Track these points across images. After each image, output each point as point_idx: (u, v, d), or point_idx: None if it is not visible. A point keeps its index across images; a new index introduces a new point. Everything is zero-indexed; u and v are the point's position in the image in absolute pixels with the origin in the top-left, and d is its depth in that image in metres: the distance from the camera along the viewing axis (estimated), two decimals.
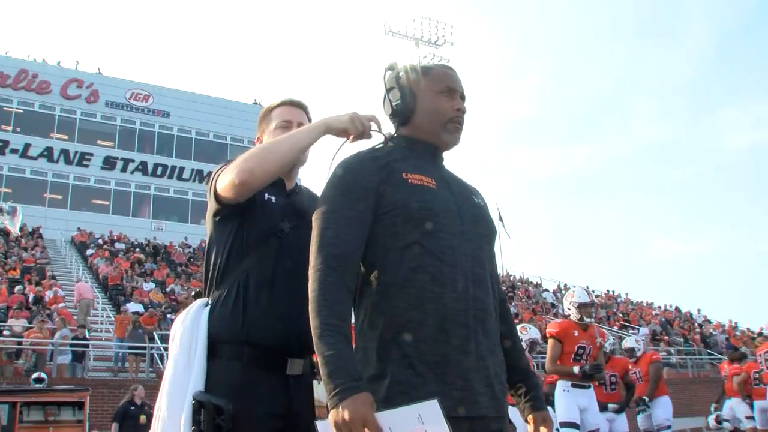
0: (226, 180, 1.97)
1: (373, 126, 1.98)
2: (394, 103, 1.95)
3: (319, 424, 1.64)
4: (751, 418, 9.38)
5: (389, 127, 2.01)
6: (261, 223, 2.05)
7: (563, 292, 32.26)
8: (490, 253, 1.92)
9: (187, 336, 2.00)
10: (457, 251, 1.77)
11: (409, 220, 1.76)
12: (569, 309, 6.58)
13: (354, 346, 1.77)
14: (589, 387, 6.43)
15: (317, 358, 1.63)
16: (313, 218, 1.80)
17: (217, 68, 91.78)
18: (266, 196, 2.10)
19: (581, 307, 6.50)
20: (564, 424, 6.21)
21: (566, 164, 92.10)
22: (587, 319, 6.47)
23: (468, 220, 1.84)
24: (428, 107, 1.92)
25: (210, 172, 2.16)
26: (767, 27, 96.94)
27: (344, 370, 1.58)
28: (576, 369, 6.23)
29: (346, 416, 1.51)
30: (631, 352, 8.70)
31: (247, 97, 42.35)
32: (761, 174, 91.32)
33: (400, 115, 1.94)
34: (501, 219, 37.22)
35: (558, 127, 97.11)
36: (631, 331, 25.80)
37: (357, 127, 1.96)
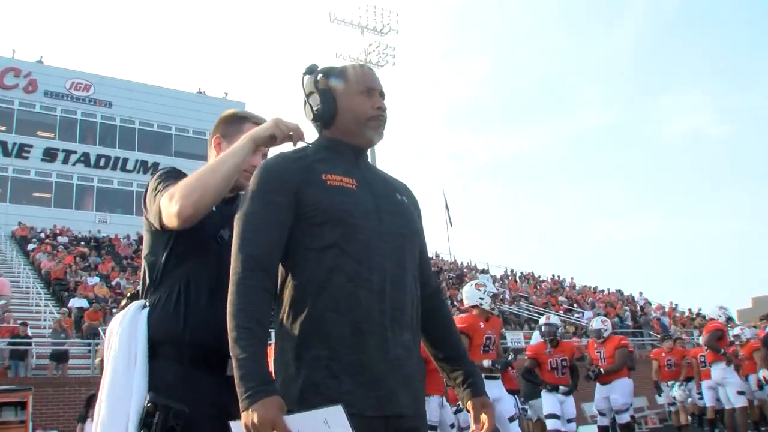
0: (170, 211, 1.97)
1: (297, 136, 2.03)
2: (314, 108, 1.99)
3: (233, 424, 1.68)
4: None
5: (313, 135, 2.07)
6: (201, 231, 2.08)
7: (509, 277, 32.85)
8: (412, 252, 1.95)
9: (126, 337, 2.01)
10: (374, 252, 1.81)
11: (327, 221, 1.81)
12: (481, 300, 6.75)
13: (273, 344, 1.85)
14: (498, 378, 6.64)
15: (232, 359, 1.67)
16: (235, 219, 1.84)
17: (160, 57, 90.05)
18: None
19: (494, 297, 6.86)
20: None
21: (510, 149, 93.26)
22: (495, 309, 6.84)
23: (387, 221, 1.88)
24: (349, 109, 1.96)
25: (156, 165, 2.16)
26: (702, 15, 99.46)
27: (256, 373, 1.63)
28: (486, 363, 6.48)
29: (256, 419, 1.57)
30: (598, 333, 9.05)
31: (192, 86, 41.90)
32: (698, 159, 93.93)
33: (322, 119, 1.98)
34: (447, 207, 37.64)
35: (502, 112, 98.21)
36: (576, 315, 26.44)
37: (282, 131, 2.01)
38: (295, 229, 1.83)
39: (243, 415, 1.61)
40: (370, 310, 1.77)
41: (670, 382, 11.58)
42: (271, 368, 1.77)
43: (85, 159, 32.70)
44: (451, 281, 29.09)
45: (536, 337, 9.24)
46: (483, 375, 6.36)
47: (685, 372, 11.57)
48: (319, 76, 2.01)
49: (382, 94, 2.02)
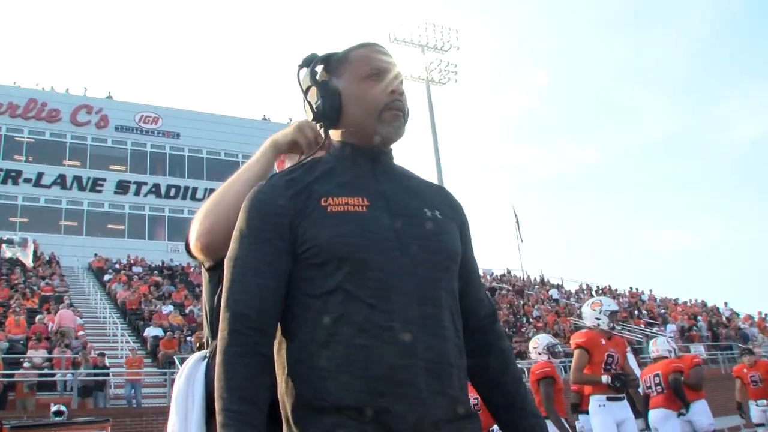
0: (191, 243, 1.75)
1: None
2: (314, 105, 1.59)
3: None
4: None
5: None
6: None
7: (585, 292, 31.94)
8: (449, 282, 1.52)
9: (182, 397, 1.78)
10: (393, 292, 1.40)
11: (330, 260, 1.41)
12: (597, 320, 6.40)
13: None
14: (623, 398, 6.20)
15: None
16: (224, 262, 1.50)
17: (224, 87, 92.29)
18: None
19: (612, 315, 6.40)
20: None
21: (576, 161, 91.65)
22: (617, 327, 6.39)
23: (413, 248, 1.46)
24: (356, 99, 1.55)
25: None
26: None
27: None
28: (605, 378, 6.05)
29: None
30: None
31: (257, 113, 42.32)
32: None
33: (324, 117, 1.58)
34: (518, 222, 37.05)
35: (565, 124, 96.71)
36: (656, 329, 25.39)
37: (307, 135, 1.71)
38: (293, 272, 1.45)
39: None
40: (393, 367, 1.36)
41: (761, 402, 10.43)
42: None
43: (155, 190, 33.40)
44: (524, 297, 28.44)
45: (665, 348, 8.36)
46: (606, 396, 6.02)
47: None
48: (317, 66, 1.63)
49: (396, 76, 1.60)
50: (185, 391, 1.78)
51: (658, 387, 7.46)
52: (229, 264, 1.46)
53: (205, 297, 1.92)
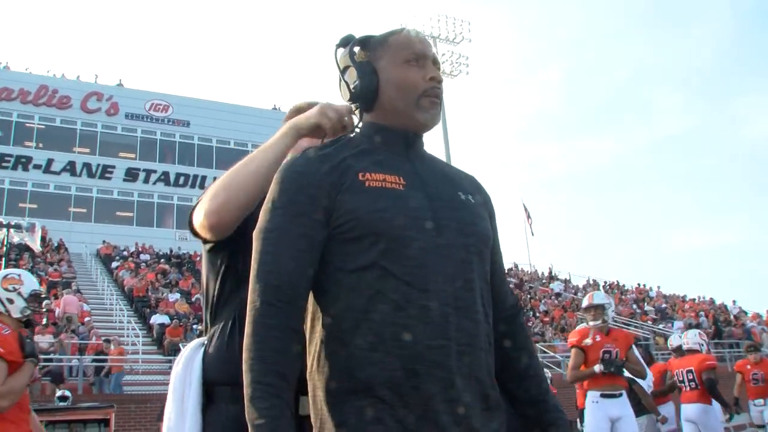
0: (198, 220, 1.70)
1: (351, 124, 1.66)
2: (351, 85, 1.58)
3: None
4: None
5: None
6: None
7: (592, 287, 31.86)
8: (482, 267, 1.51)
9: (179, 382, 1.76)
10: (430, 271, 1.39)
11: (366, 234, 1.40)
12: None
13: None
14: (619, 395, 6.09)
15: (248, 424, 1.30)
16: (253, 237, 1.46)
17: (235, 75, 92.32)
18: None
19: (596, 309, 6.33)
20: None
21: (589, 157, 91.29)
22: (598, 322, 6.28)
23: (448, 229, 1.46)
24: (394, 83, 1.55)
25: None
26: None
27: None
28: (597, 368, 6.00)
29: None
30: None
31: (267, 103, 42.41)
32: None
33: (361, 98, 1.57)
34: (529, 216, 36.98)
35: (578, 120, 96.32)
36: (662, 325, 25.30)
37: (330, 118, 1.65)
38: (327, 247, 1.43)
39: None
40: (429, 347, 1.35)
41: (758, 401, 10.16)
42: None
43: (165, 178, 33.48)
44: (533, 292, 28.38)
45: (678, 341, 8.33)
46: (600, 393, 5.94)
47: None
48: (356, 47, 1.61)
49: (435, 63, 1.60)
50: (183, 377, 1.77)
51: (692, 383, 7.42)
52: (261, 236, 1.43)
53: (204, 281, 1.88)
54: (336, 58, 1.63)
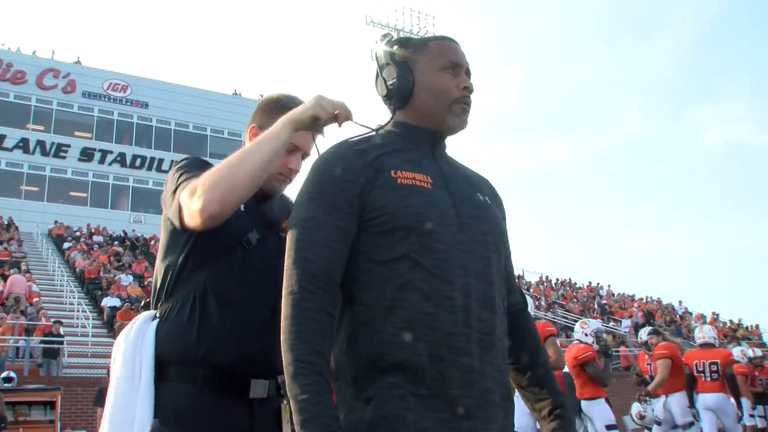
0: (192, 208, 1.66)
1: (343, 116, 1.69)
2: (389, 83, 1.67)
3: None
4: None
5: (369, 117, 1.72)
6: (226, 233, 1.77)
7: (544, 284, 32.34)
8: (498, 262, 1.61)
9: (130, 354, 1.74)
10: (454, 264, 1.49)
11: (398, 228, 1.49)
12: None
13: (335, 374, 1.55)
14: None
15: (290, 400, 1.39)
16: (288, 226, 1.54)
17: (196, 59, 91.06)
18: None
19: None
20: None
21: (546, 160, 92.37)
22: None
23: (469, 226, 1.55)
24: (430, 87, 1.64)
25: (173, 162, 1.89)
26: (743, 23, 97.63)
27: (319, 419, 1.35)
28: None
29: None
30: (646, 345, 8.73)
31: (227, 88, 41.93)
32: (737, 170, 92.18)
33: (397, 96, 1.66)
34: None
35: (538, 122, 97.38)
36: (612, 324, 25.86)
37: (326, 110, 1.67)
38: (358, 238, 1.52)
39: None
40: (452, 334, 1.45)
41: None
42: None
43: (121, 159, 32.89)
44: None
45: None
46: None
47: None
48: (396, 46, 1.69)
49: (468, 73, 1.70)
50: (133, 346, 1.76)
51: (714, 374, 7.81)
52: (298, 225, 1.51)
53: (163, 251, 1.86)
54: (375, 54, 1.72)
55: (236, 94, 37.02)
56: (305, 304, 1.44)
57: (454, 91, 1.65)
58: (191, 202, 1.67)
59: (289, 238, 1.52)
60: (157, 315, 1.82)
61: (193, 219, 1.68)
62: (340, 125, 1.70)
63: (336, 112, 1.68)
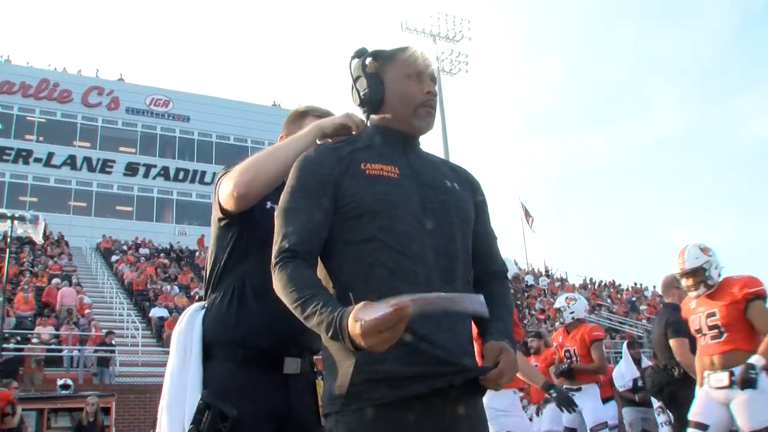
0: (225, 191, 1.99)
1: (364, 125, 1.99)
2: (361, 93, 1.90)
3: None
4: None
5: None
6: (263, 229, 2.02)
7: (588, 287, 32.02)
8: (465, 242, 1.83)
9: (182, 339, 2.05)
10: (416, 242, 1.71)
11: (365, 213, 1.72)
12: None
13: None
14: (576, 389, 6.06)
15: (314, 329, 1.58)
16: (275, 215, 1.78)
17: (235, 71, 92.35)
18: (268, 204, 2.10)
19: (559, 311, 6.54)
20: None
21: (585, 153, 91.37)
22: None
23: (432, 211, 1.77)
24: (397, 94, 1.87)
25: (216, 174, 2.16)
26: None
27: (330, 306, 1.55)
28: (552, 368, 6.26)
29: (358, 328, 1.44)
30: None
31: (267, 99, 42.30)
32: None
33: (369, 104, 1.90)
34: (528, 214, 37.08)
35: (577, 116, 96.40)
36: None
37: (355, 121, 1.99)
38: (336, 222, 1.76)
39: (350, 326, 1.47)
40: None
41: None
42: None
43: (164, 173, 33.59)
44: (529, 290, 28.53)
45: None
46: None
47: None
48: (368, 59, 1.92)
49: (432, 79, 1.92)
50: (185, 332, 2.05)
51: None
52: (282, 214, 1.75)
53: (211, 252, 2.16)
54: (350, 67, 1.93)
55: (276, 105, 37.45)
56: (287, 266, 1.65)
57: (418, 96, 1.87)
58: (226, 186, 1.99)
59: (276, 224, 1.75)
60: (205, 305, 2.10)
61: (227, 201, 2.01)
62: (353, 134, 1.99)
63: (359, 124, 2.00)
